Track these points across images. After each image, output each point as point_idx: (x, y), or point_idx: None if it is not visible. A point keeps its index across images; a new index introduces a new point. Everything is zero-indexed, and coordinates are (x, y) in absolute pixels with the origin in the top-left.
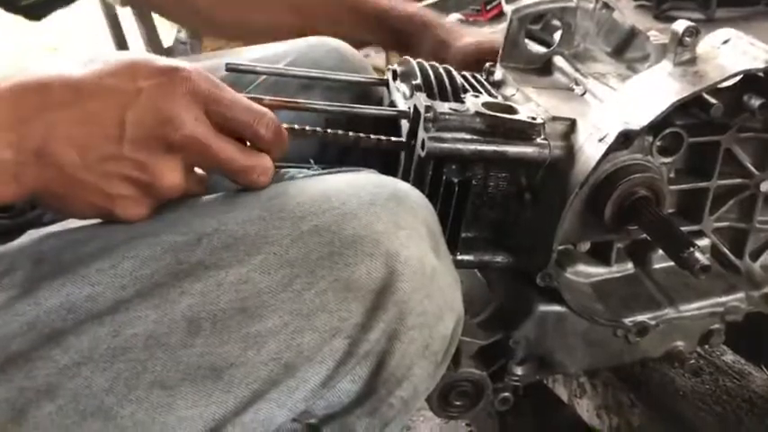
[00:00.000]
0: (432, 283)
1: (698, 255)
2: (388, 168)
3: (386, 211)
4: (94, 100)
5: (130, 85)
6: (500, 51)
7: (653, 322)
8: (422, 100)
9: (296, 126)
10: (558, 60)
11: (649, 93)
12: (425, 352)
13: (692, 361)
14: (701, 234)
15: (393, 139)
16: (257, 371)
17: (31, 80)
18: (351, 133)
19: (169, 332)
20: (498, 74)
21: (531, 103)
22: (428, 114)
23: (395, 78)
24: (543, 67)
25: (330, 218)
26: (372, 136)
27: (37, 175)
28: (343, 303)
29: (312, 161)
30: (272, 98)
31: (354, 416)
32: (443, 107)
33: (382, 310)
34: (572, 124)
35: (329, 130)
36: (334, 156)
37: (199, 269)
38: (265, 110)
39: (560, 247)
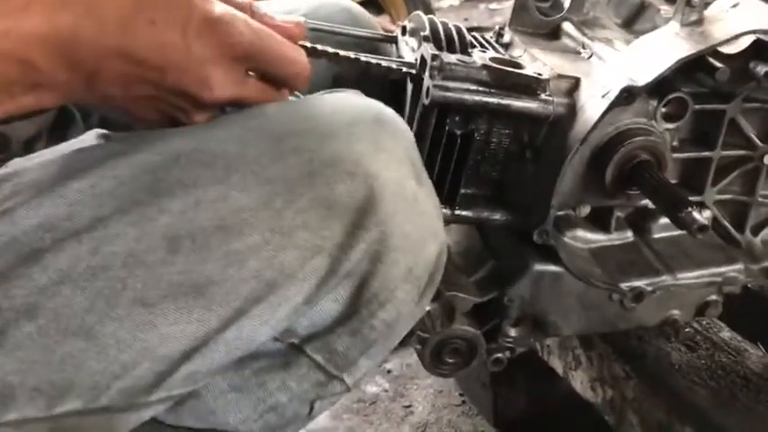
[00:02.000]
0: (413, 207)
1: (695, 214)
2: None
3: (367, 133)
4: (143, 44)
5: (179, 39)
6: (510, 15)
7: (649, 288)
8: (428, 49)
9: (308, 44)
10: (567, 26)
11: (654, 52)
12: (409, 276)
13: (687, 329)
14: (702, 206)
15: (404, 68)
16: (238, 288)
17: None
18: (362, 57)
19: (148, 250)
20: (507, 37)
21: (537, 62)
22: (434, 63)
23: (404, 34)
24: (551, 33)
25: (310, 138)
26: (383, 63)
27: (80, 93)
28: (323, 222)
29: None
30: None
31: (336, 334)
32: (450, 57)
33: (363, 230)
34: (576, 82)
35: (341, 52)
36: None
37: (177, 187)
38: (304, 61)
39: (560, 213)
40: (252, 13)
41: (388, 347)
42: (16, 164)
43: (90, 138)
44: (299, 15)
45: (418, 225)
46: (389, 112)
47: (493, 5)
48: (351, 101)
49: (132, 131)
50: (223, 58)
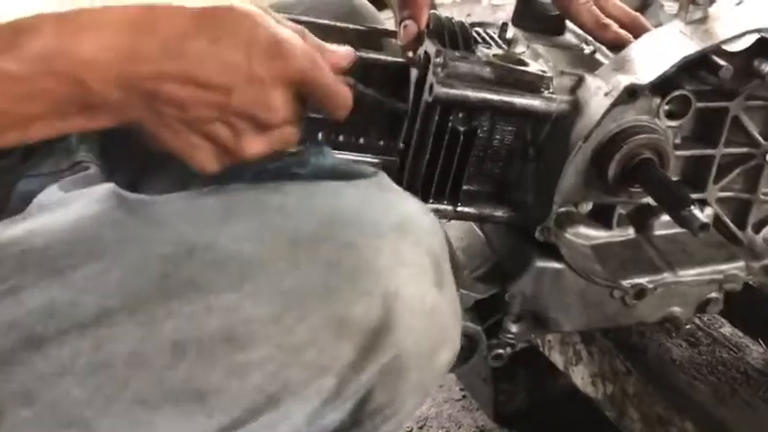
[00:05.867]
0: (430, 321)
1: (697, 212)
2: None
3: (389, 245)
4: (206, 65)
5: (244, 63)
6: (513, 11)
7: (651, 285)
8: (432, 46)
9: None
10: (570, 22)
11: (658, 50)
12: (418, 388)
13: (688, 326)
14: (704, 203)
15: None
16: (240, 399)
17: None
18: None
19: (153, 353)
20: (510, 32)
21: (540, 59)
22: (438, 59)
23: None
24: (555, 29)
25: (330, 248)
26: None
27: (134, 113)
28: (334, 341)
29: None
30: None
31: None
32: (453, 54)
33: (377, 352)
34: (579, 80)
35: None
36: None
37: (189, 289)
38: (348, 97)
39: (562, 209)
40: (304, 39)
41: None
42: (39, 207)
43: (103, 195)
44: (302, 9)
45: (433, 336)
46: (413, 209)
47: (495, 1)
48: (373, 202)
49: (144, 193)
50: (282, 82)
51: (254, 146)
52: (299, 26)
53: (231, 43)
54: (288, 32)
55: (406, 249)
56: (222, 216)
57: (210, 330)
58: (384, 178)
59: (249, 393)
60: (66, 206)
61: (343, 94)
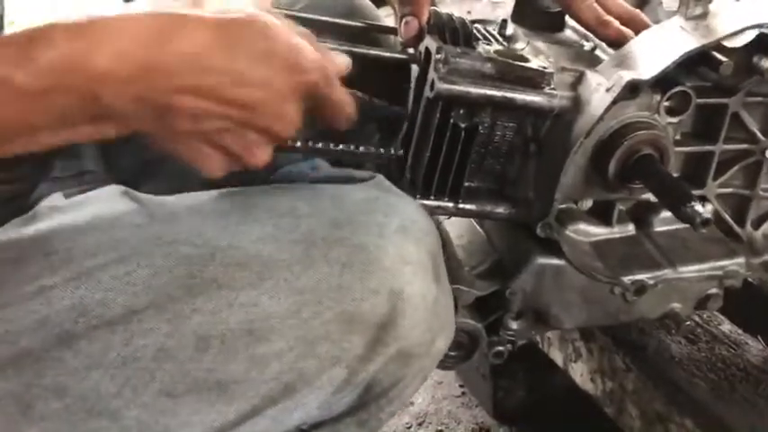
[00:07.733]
0: (431, 314)
1: (699, 208)
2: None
3: (393, 246)
4: (223, 82)
5: (265, 79)
6: (512, 8)
7: (651, 282)
8: (433, 42)
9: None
10: (569, 19)
11: (659, 46)
12: (419, 374)
13: (688, 323)
14: (704, 200)
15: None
16: (259, 388)
17: (169, 26)
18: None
19: (179, 347)
20: (510, 29)
21: (540, 55)
22: (439, 55)
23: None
24: (554, 25)
25: (341, 250)
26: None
27: (144, 124)
28: (345, 335)
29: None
30: None
31: (344, 424)
32: (455, 50)
33: (383, 344)
34: (580, 76)
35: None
36: None
37: (212, 287)
38: (353, 106)
39: (562, 206)
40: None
41: None
42: (50, 208)
43: (115, 197)
44: (302, 6)
45: (433, 326)
46: (413, 211)
47: None
48: (377, 205)
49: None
50: (298, 95)
51: (262, 155)
52: (308, 31)
53: (252, 58)
54: (303, 43)
55: (408, 247)
56: (239, 219)
57: (232, 325)
58: (381, 179)
59: (267, 383)
60: (79, 208)
61: (349, 107)
